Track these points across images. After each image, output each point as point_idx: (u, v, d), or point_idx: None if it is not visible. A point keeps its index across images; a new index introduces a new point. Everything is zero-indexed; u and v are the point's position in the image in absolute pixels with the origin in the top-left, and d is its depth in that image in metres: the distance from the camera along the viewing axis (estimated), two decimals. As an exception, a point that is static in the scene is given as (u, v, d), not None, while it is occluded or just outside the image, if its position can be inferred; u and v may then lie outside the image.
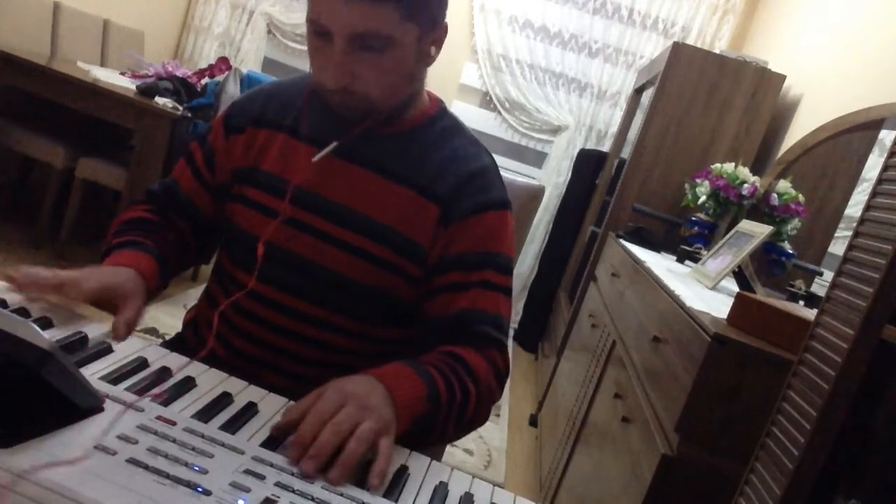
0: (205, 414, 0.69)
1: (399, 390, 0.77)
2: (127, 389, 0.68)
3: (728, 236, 2.02)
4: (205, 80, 3.03)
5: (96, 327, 0.80)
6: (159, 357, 0.78)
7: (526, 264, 4.25)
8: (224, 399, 0.73)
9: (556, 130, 4.22)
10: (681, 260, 2.35)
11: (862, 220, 0.89)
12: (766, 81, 2.79)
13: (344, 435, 0.66)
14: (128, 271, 0.89)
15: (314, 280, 0.96)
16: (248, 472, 0.60)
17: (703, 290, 1.75)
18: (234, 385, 0.78)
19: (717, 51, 3.52)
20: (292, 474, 0.62)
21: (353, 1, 0.81)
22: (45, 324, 0.77)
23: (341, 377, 0.75)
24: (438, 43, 0.92)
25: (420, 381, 0.81)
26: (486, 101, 4.28)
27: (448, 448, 2.07)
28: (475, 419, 0.91)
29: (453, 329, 0.94)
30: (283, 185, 0.96)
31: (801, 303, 1.78)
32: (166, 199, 1.07)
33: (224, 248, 1.06)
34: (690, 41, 3.95)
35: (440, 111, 1.02)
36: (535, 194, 1.27)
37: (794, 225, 2.32)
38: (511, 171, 1.18)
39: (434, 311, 0.96)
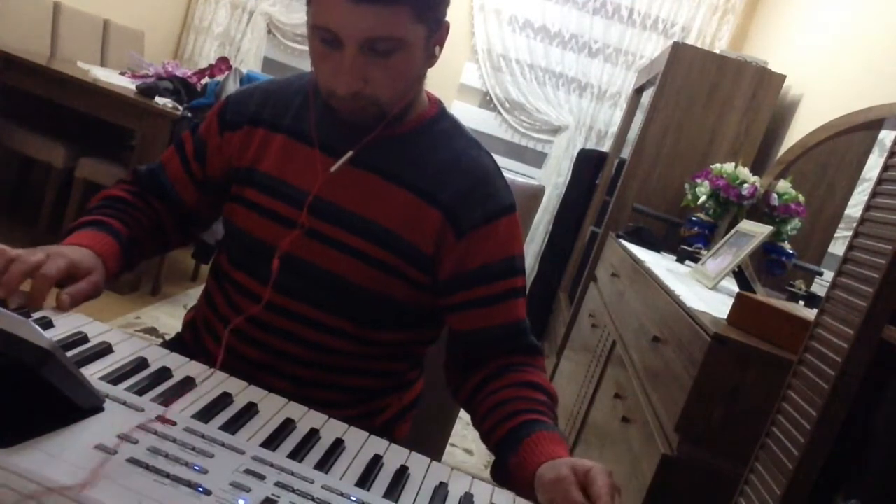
0: (205, 414, 0.69)
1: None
2: (127, 390, 0.68)
3: (728, 236, 2.02)
4: (205, 80, 3.03)
5: (96, 327, 0.80)
6: (159, 357, 0.78)
7: (526, 264, 4.24)
8: (224, 399, 0.73)
9: (556, 130, 4.22)
10: (681, 260, 2.35)
11: (862, 220, 0.89)
12: (766, 81, 2.79)
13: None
14: (86, 251, 0.88)
15: (322, 287, 0.95)
16: (248, 472, 0.60)
17: (703, 290, 1.75)
18: (234, 385, 0.78)
19: (717, 51, 3.52)
20: (292, 474, 0.62)
21: (364, 5, 0.79)
22: (46, 324, 0.77)
23: (562, 462, 0.77)
24: (442, 42, 0.92)
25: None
26: (486, 101, 4.28)
27: (448, 448, 2.07)
28: None
29: (495, 342, 0.97)
30: (288, 188, 0.95)
31: (801, 303, 1.78)
32: (149, 181, 1.06)
33: (223, 249, 1.06)
34: (690, 41, 3.94)
35: (439, 112, 1.01)
36: (535, 194, 1.27)
37: (794, 225, 2.32)
38: (511, 171, 1.18)
39: (468, 325, 0.98)
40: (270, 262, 0.94)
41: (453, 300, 0.97)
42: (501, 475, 0.87)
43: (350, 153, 0.93)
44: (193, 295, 3.10)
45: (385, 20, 0.81)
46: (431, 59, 0.92)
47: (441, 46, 0.92)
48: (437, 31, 0.89)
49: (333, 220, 0.94)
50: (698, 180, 2.55)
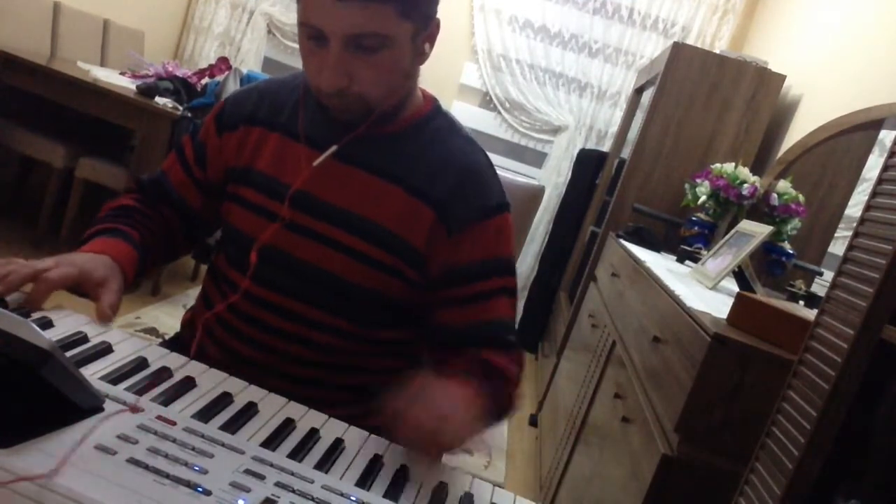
0: (205, 414, 0.69)
1: (481, 419, 0.81)
2: (127, 389, 0.68)
3: (728, 236, 2.02)
4: (205, 80, 3.03)
5: (96, 327, 0.80)
6: (159, 357, 0.78)
7: (526, 264, 4.25)
8: (224, 399, 0.73)
9: (556, 130, 4.22)
10: (681, 260, 2.35)
11: (862, 220, 0.89)
12: (766, 81, 2.79)
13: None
14: (103, 258, 0.89)
15: (311, 282, 0.95)
16: (248, 472, 0.60)
17: (703, 290, 1.75)
18: (234, 385, 0.78)
19: (717, 51, 3.52)
20: (292, 474, 0.62)
21: (349, 2, 0.80)
22: (45, 324, 0.77)
23: (444, 385, 0.78)
24: (432, 39, 0.92)
25: (491, 407, 0.85)
26: (486, 101, 4.28)
27: (448, 448, 2.07)
28: (507, 417, 0.98)
29: (474, 339, 0.97)
30: (280, 186, 0.96)
31: (801, 303, 1.78)
32: (154, 190, 1.06)
33: (220, 249, 1.06)
34: (690, 41, 3.94)
35: (434, 110, 1.01)
36: (535, 194, 1.27)
37: (794, 225, 2.32)
38: (511, 171, 1.19)
39: (450, 320, 0.98)
40: (268, 260, 0.95)
41: (437, 296, 0.97)
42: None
43: (334, 148, 0.93)
44: (193, 295, 3.10)
45: (369, 17, 0.81)
46: (421, 56, 0.92)
47: (431, 44, 0.92)
48: (425, 28, 0.89)
49: (316, 213, 0.94)
50: (698, 180, 2.55)
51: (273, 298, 0.96)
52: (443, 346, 0.99)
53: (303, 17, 0.85)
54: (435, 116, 1.00)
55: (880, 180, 0.89)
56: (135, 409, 0.64)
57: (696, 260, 2.26)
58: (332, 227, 0.94)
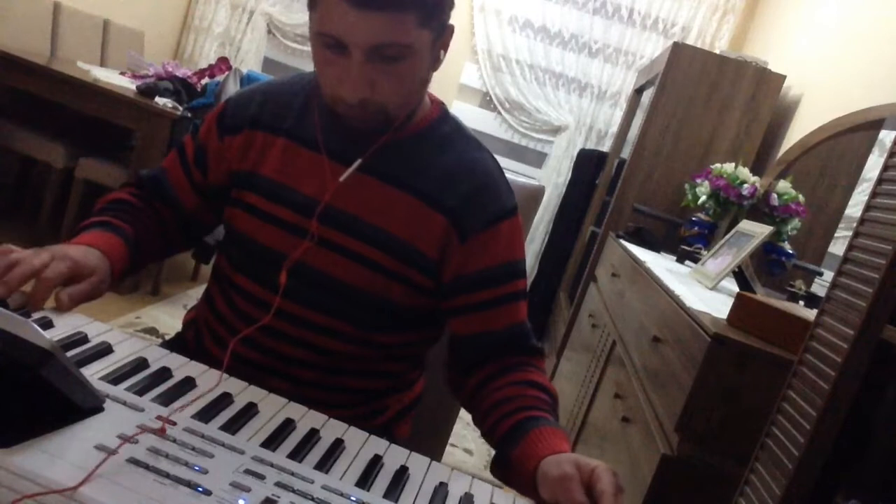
0: (205, 414, 0.69)
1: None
2: (127, 390, 0.68)
3: (728, 236, 2.02)
4: (205, 80, 3.03)
5: (96, 327, 0.80)
6: (159, 357, 0.78)
7: (526, 264, 4.25)
8: (224, 399, 0.73)
9: (556, 130, 4.22)
10: (681, 260, 2.35)
11: (862, 220, 0.89)
12: (766, 81, 2.79)
13: None
14: (93, 250, 0.88)
15: (327, 293, 0.95)
16: (248, 472, 0.60)
17: (703, 290, 1.75)
18: (234, 385, 0.78)
19: (717, 51, 3.52)
20: (292, 474, 0.62)
21: (370, 12, 0.79)
22: (46, 324, 0.77)
23: (568, 458, 0.76)
24: (446, 46, 0.92)
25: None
26: (486, 101, 4.28)
27: (448, 448, 2.07)
28: None
29: (498, 345, 0.97)
30: (290, 193, 0.95)
31: (801, 303, 1.78)
32: (153, 186, 1.06)
33: (223, 251, 1.06)
34: (690, 41, 3.95)
35: (442, 114, 1.01)
36: (535, 194, 1.27)
37: (794, 225, 2.32)
38: (511, 171, 1.18)
39: (470, 329, 0.97)
40: (278, 270, 0.94)
41: (455, 303, 0.97)
42: (502, 470, 0.86)
43: (359, 161, 0.92)
44: (193, 295, 3.10)
45: (391, 27, 0.81)
46: (436, 62, 0.92)
47: (445, 50, 0.92)
48: (441, 35, 0.89)
49: (342, 227, 0.94)
50: (698, 180, 2.55)
51: (289, 308, 0.96)
52: (468, 355, 0.99)
53: (320, 26, 0.83)
54: (443, 121, 1.00)
55: (880, 180, 0.89)
56: (163, 430, 0.64)
57: (696, 260, 2.26)
58: (355, 239, 0.93)
